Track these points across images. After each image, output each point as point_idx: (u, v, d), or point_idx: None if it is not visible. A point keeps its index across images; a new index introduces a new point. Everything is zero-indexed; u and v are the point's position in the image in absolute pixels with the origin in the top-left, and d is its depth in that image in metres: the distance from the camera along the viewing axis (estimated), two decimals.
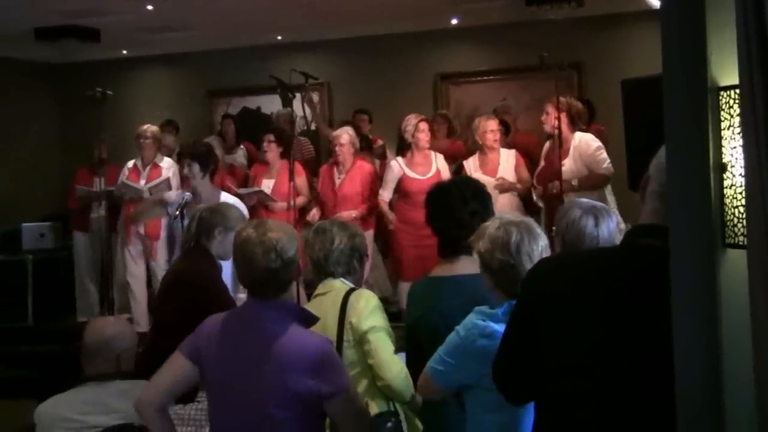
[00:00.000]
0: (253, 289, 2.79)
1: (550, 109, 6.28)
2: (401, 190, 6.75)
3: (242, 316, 2.82)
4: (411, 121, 6.72)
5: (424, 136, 6.66)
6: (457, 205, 3.14)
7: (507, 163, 6.67)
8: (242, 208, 5.53)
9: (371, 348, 3.20)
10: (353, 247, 3.39)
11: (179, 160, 5.55)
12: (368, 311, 3.25)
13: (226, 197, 5.49)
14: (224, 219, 4.15)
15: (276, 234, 2.73)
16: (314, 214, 6.95)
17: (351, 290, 3.34)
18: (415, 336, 3.19)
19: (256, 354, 2.68)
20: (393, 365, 3.20)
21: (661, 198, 1.98)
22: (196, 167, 5.36)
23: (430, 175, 6.67)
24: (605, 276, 1.97)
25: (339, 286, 3.36)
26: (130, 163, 7.43)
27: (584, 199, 3.66)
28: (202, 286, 4.00)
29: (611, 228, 3.30)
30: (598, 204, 3.41)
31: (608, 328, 1.92)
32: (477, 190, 3.22)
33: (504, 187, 6.53)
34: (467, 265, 3.09)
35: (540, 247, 2.64)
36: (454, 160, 7.40)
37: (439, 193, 3.27)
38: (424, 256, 6.59)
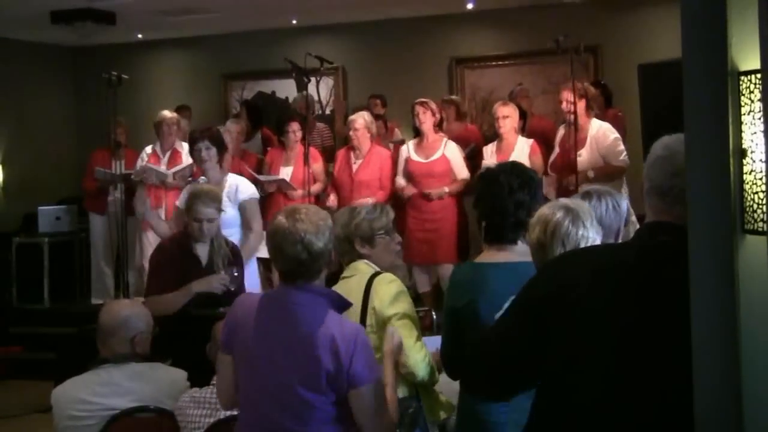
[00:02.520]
0: (283, 275, 2.79)
1: (569, 95, 6.20)
2: (406, 173, 6.77)
3: (275, 299, 2.81)
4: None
5: (416, 120, 6.75)
6: (501, 194, 3.05)
7: (521, 150, 6.63)
8: (250, 189, 5.55)
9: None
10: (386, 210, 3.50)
11: (192, 143, 5.56)
12: (391, 296, 3.25)
13: (232, 178, 5.53)
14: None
15: (305, 225, 2.70)
16: (333, 199, 6.94)
17: (375, 274, 3.35)
18: (459, 321, 3.09)
19: (286, 337, 2.68)
20: (416, 353, 3.19)
21: (658, 195, 1.98)
22: (213, 151, 5.41)
23: (432, 159, 6.68)
24: (622, 274, 1.96)
25: (364, 269, 3.37)
26: (149, 149, 7.43)
27: (588, 186, 3.65)
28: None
29: (610, 214, 3.28)
30: (600, 188, 3.41)
31: (623, 328, 1.91)
32: (526, 180, 3.11)
33: None
34: (512, 255, 3.04)
35: (579, 235, 2.63)
36: (467, 144, 7.38)
37: (486, 177, 3.19)
38: (429, 239, 6.66)
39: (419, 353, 3.20)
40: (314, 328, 2.66)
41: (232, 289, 4.39)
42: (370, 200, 6.68)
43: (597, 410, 1.93)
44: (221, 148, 5.47)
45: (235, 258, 4.66)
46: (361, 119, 6.97)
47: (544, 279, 2.14)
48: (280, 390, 2.67)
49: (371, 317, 3.22)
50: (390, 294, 3.25)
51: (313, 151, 7.44)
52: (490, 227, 3.11)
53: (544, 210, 2.71)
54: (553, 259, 2.40)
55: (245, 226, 5.45)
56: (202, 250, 4.55)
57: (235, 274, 4.51)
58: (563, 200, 2.81)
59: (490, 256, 3.11)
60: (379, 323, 3.22)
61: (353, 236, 3.40)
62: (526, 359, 2.05)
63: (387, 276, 3.35)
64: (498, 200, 3.05)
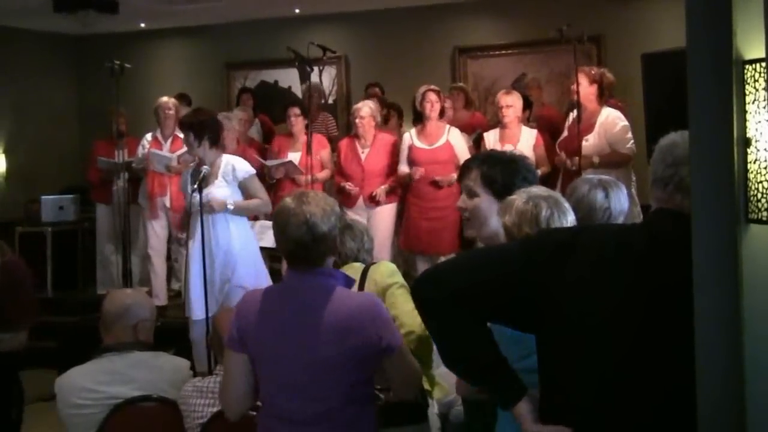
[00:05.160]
0: (289, 259, 2.79)
1: (582, 79, 6.19)
2: (409, 160, 6.75)
3: (286, 288, 2.81)
4: (420, 91, 6.75)
5: (428, 105, 6.64)
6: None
7: (527, 141, 6.60)
8: (245, 166, 5.48)
9: (395, 300, 3.42)
10: (371, 237, 3.82)
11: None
12: (390, 271, 3.58)
13: (226, 158, 5.49)
14: None
15: (312, 208, 2.70)
16: (353, 189, 6.88)
17: (370, 264, 3.65)
18: None
19: (310, 325, 2.67)
20: (416, 315, 3.22)
21: (659, 185, 1.98)
22: (191, 135, 5.34)
23: (436, 145, 6.64)
24: (630, 258, 1.96)
25: (357, 265, 3.63)
26: (149, 136, 7.42)
27: (591, 175, 3.62)
28: None
29: (622, 201, 3.28)
30: (606, 177, 3.38)
31: (628, 310, 1.91)
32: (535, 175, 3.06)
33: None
34: None
35: (569, 221, 2.61)
36: (474, 131, 7.37)
37: (502, 159, 3.03)
38: (434, 228, 6.63)
39: (418, 317, 3.27)
40: (334, 307, 2.67)
41: None
42: (383, 188, 6.71)
43: (596, 409, 1.93)
44: (200, 131, 5.32)
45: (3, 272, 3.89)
46: (366, 107, 6.94)
47: (563, 233, 2.18)
48: (313, 378, 2.66)
49: (371, 287, 3.47)
50: (389, 269, 3.60)
51: (321, 138, 7.44)
52: None
53: (519, 205, 2.60)
54: (574, 228, 2.43)
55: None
56: None
57: None
58: (535, 190, 2.74)
59: None
60: (379, 291, 3.45)
61: (361, 250, 3.74)
62: (506, 285, 2.04)
63: (383, 261, 3.78)
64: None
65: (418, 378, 2.93)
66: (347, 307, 2.67)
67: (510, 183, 2.86)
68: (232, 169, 5.36)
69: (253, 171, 5.54)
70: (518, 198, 2.63)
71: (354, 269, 3.54)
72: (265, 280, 5.39)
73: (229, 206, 5.29)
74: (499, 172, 2.95)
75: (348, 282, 2.82)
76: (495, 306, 2.05)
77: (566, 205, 2.65)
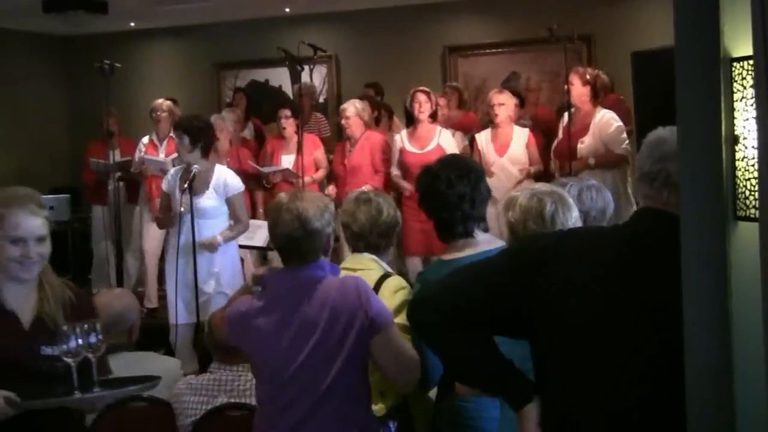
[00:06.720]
0: (281, 255, 2.79)
1: (575, 80, 6.21)
2: (401, 164, 6.73)
3: (276, 288, 2.79)
4: (410, 92, 6.74)
5: (417, 106, 6.60)
6: (442, 189, 3.06)
7: (519, 140, 6.60)
8: (237, 183, 5.48)
9: None
10: (397, 220, 3.24)
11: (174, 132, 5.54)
12: (395, 308, 2.95)
13: (219, 170, 5.49)
14: None
15: (305, 204, 2.70)
16: (331, 189, 6.90)
17: (385, 275, 3.11)
18: None
19: (297, 319, 2.67)
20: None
21: (646, 181, 1.99)
22: (186, 139, 5.30)
23: (427, 149, 6.57)
24: (620, 259, 1.97)
25: (372, 265, 3.14)
26: (146, 139, 7.40)
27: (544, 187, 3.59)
28: None
29: (600, 202, 3.27)
30: (552, 188, 3.34)
31: (617, 309, 1.92)
32: (465, 172, 3.09)
33: (529, 176, 6.44)
34: (476, 247, 3.00)
35: (573, 217, 2.61)
36: (468, 132, 7.37)
37: (425, 176, 3.18)
38: (428, 229, 6.57)
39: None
40: (320, 298, 2.67)
41: (91, 357, 2.60)
42: (365, 188, 6.67)
43: (592, 408, 1.93)
44: (197, 137, 5.30)
45: (80, 305, 2.90)
46: (351, 107, 6.92)
47: (548, 237, 2.19)
48: (307, 374, 2.66)
49: None
50: (394, 305, 2.97)
51: (314, 138, 7.42)
52: (439, 223, 3.11)
53: (523, 201, 2.60)
54: (559, 232, 2.44)
55: (233, 217, 5.48)
56: (18, 300, 2.79)
57: (100, 337, 2.64)
58: (538, 186, 2.73)
59: (456, 251, 3.04)
60: None
61: (374, 230, 3.17)
62: (499, 295, 2.04)
63: (395, 282, 3.10)
64: (439, 195, 3.05)
65: (415, 362, 2.75)
66: (331, 295, 2.67)
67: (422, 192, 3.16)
68: (224, 183, 5.37)
69: (242, 188, 5.56)
70: (521, 195, 2.65)
71: (368, 271, 3.09)
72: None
73: (220, 242, 5.35)
74: (423, 184, 3.15)
75: (334, 271, 2.79)
76: (491, 318, 2.05)
77: (570, 201, 2.65)
